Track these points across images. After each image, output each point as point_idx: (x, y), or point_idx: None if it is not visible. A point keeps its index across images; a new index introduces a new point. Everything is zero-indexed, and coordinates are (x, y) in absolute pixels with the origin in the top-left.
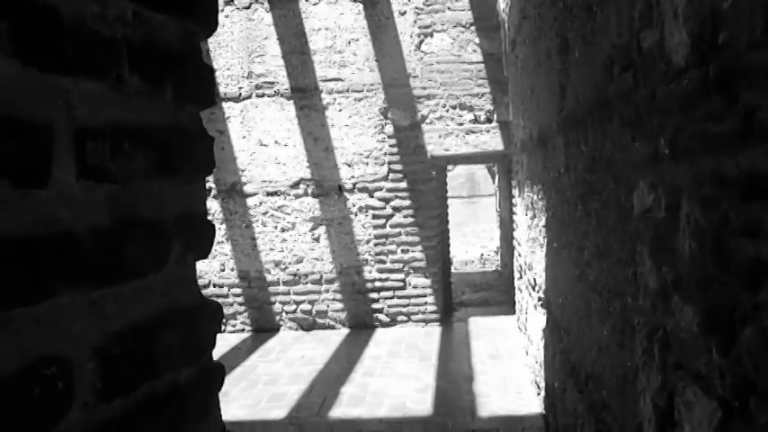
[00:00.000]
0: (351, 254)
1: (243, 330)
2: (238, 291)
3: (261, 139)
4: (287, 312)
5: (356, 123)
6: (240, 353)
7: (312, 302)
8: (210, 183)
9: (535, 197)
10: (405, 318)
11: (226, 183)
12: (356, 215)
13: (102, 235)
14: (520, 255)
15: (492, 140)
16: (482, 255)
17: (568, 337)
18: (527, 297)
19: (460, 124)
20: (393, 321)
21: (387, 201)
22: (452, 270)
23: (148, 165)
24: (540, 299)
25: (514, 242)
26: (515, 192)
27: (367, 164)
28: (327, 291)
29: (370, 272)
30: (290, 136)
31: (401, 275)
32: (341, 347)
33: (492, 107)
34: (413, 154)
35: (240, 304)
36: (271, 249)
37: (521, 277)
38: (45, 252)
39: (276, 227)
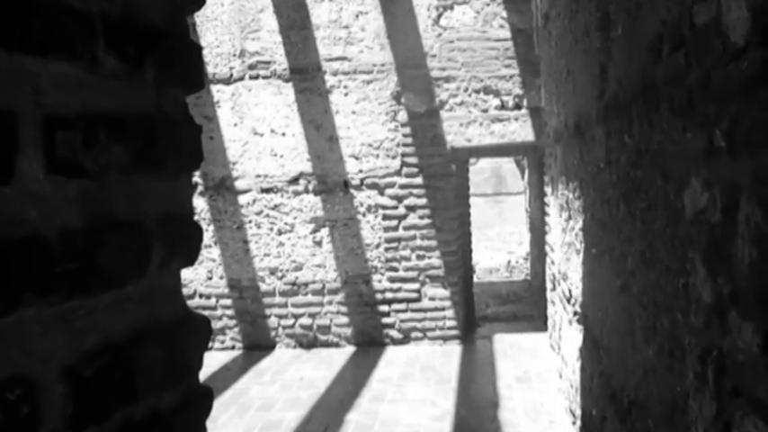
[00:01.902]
0: (358, 260)
1: (233, 348)
2: (228, 302)
3: (255, 128)
4: (284, 327)
5: (365, 110)
6: (230, 373)
7: (313, 316)
8: (197, 178)
9: (571, 195)
10: (420, 334)
11: (214, 177)
12: (364, 215)
13: (74, 238)
14: (553, 262)
15: (521, 130)
16: (509, 262)
17: (609, 357)
18: (561, 311)
19: (485, 111)
20: (406, 338)
21: (400, 199)
22: (475, 279)
23: (126, 157)
24: (575, 313)
25: (546, 247)
26: (548, 189)
27: (377, 156)
28: (331, 303)
29: (380, 281)
30: (288, 124)
31: (416, 285)
32: (346, 368)
33: (521, 91)
34: (430, 145)
35: (230, 317)
36: (266, 255)
37: (554, 288)
38: (9, 258)
39: (272, 229)
